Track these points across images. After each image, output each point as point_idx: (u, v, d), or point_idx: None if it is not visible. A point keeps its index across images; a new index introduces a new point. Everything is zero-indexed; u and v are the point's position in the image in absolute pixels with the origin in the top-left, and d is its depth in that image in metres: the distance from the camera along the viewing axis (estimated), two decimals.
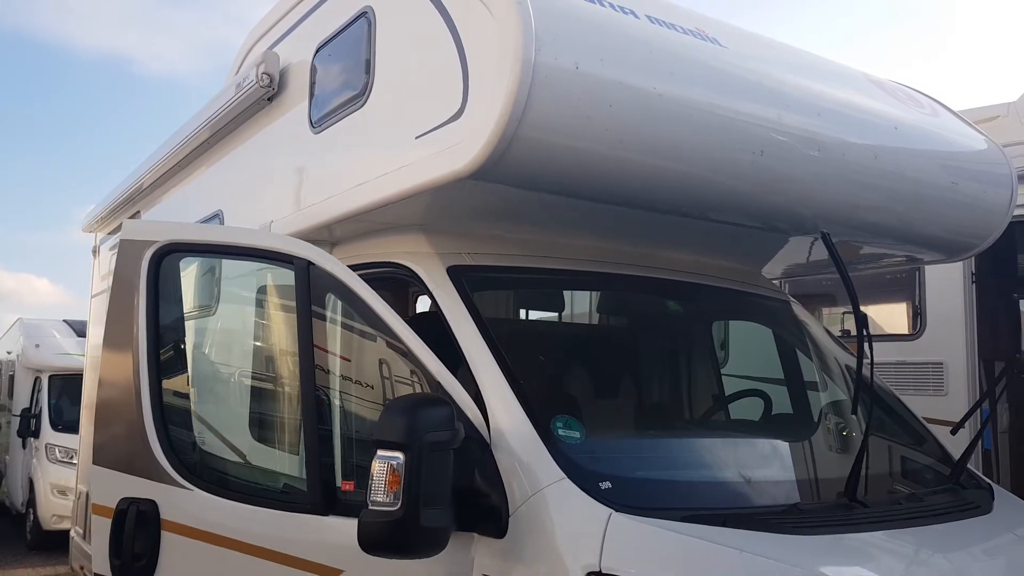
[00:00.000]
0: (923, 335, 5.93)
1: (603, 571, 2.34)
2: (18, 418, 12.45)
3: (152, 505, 2.94)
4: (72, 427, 10.88)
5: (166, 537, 2.93)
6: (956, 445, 3.65)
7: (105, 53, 73.98)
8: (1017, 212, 5.64)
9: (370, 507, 2.38)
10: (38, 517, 11.05)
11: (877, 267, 5.13)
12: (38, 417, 11.80)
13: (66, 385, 11.91)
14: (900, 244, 4.09)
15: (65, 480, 10.61)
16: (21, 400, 12.50)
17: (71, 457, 10.85)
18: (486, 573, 2.61)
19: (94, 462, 3.07)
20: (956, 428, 3.61)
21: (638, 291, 3.84)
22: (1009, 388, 6.16)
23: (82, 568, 6.90)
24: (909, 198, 3.68)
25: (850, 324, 6.92)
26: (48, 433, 11.48)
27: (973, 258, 5.74)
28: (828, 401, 4.03)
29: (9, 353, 14.25)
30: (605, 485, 2.56)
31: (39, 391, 12.18)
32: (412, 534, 2.36)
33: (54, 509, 10.79)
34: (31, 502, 11.52)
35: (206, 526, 2.93)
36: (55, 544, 10.54)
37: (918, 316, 6.03)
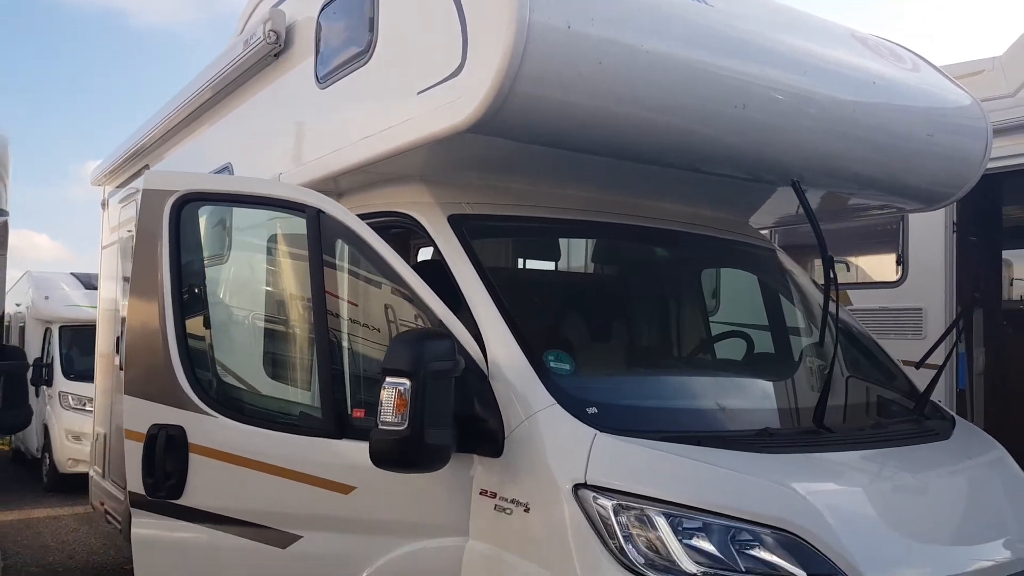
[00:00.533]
0: (905, 283, 6.16)
1: (588, 483, 2.63)
2: (30, 367, 12.76)
3: (180, 430, 3.22)
4: (83, 376, 11.19)
5: (193, 459, 3.22)
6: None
7: (99, 5, 73.10)
8: (999, 164, 5.86)
9: (380, 427, 2.66)
10: (54, 461, 11.41)
11: (859, 217, 5.36)
12: (50, 367, 12.10)
13: (76, 336, 12.20)
14: (878, 193, 4.31)
15: (79, 426, 10.96)
16: (32, 350, 12.79)
17: (84, 404, 11.18)
18: (484, 488, 2.90)
19: (126, 393, 3.33)
20: (919, 364, 3.87)
21: (628, 239, 4.07)
22: (987, 331, 6.43)
23: (102, 504, 7.25)
24: (886, 149, 3.88)
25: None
26: (61, 382, 11.79)
27: (955, 208, 5.97)
28: (807, 343, 4.28)
29: (18, 305, 14.51)
30: (591, 410, 2.83)
31: (50, 342, 12.47)
32: (418, 450, 2.64)
33: (69, 453, 11.15)
34: (46, 447, 11.88)
35: (230, 448, 3.21)
36: (71, 486, 10.92)
37: (900, 265, 6.26)
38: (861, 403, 3.72)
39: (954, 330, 3.79)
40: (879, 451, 3.12)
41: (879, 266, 6.79)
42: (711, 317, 4.76)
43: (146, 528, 3.35)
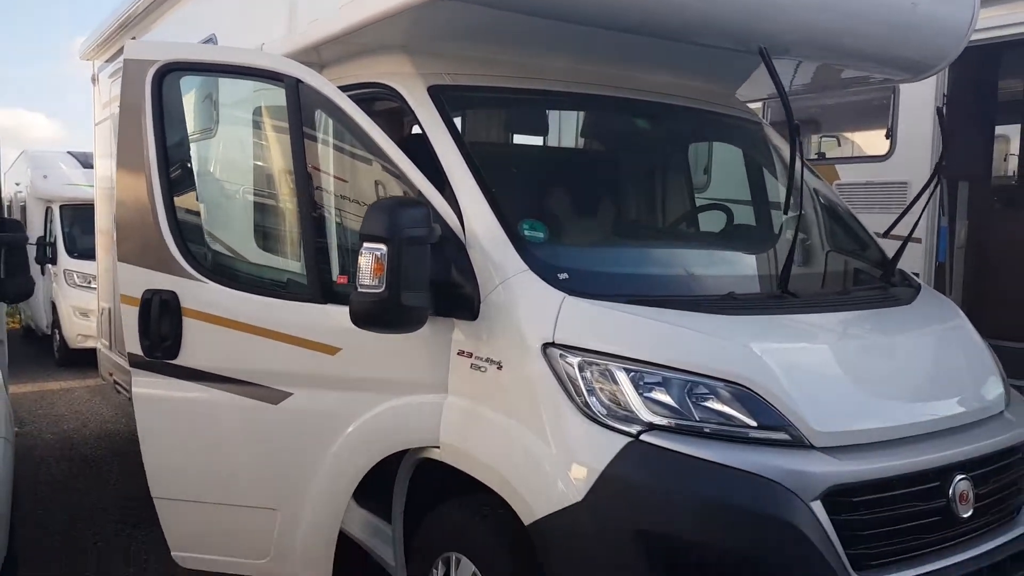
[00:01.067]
0: (892, 157, 6.19)
1: (556, 342, 2.79)
2: (34, 247, 12.93)
3: (173, 295, 3.38)
4: (86, 254, 11.36)
5: (187, 322, 3.39)
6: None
7: None
8: (995, 35, 5.78)
9: (359, 289, 2.80)
10: (64, 337, 11.74)
11: (847, 89, 5.34)
12: (53, 245, 12.26)
13: (76, 215, 12.31)
14: (861, 63, 4.28)
15: (85, 303, 11.21)
16: (35, 230, 12.93)
17: (88, 282, 11.40)
18: (462, 349, 3.07)
19: (120, 260, 3.47)
20: (885, 233, 3.97)
21: (610, 110, 4.10)
22: (972, 204, 6.51)
23: (111, 375, 7.54)
24: (869, 17, 3.85)
25: (824, 148, 7.19)
26: (65, 260, 11.97)
27: (947, 81, 5.93)
28: (788, 217, 4.37)
29: (17, 185, 14.56)
30: (562, 276, 2.96)
31: (51, 221, 12.60)
32: (395, 311, 2.80)
33: (78, 329, 11.45)
34: (55, 324, 12.21)
35: (221, 312, 3.38)
36: (82, 361, 11.28)
37: (889, 139, 6.27)
38: (829, 271, 3.84)
39: (928, 200, 3.83)
40: (839, 314, 3.26)
41: (869, 141, 6.80)
42: (701, 192, 4.83)
43: (145, 387, 3.56)
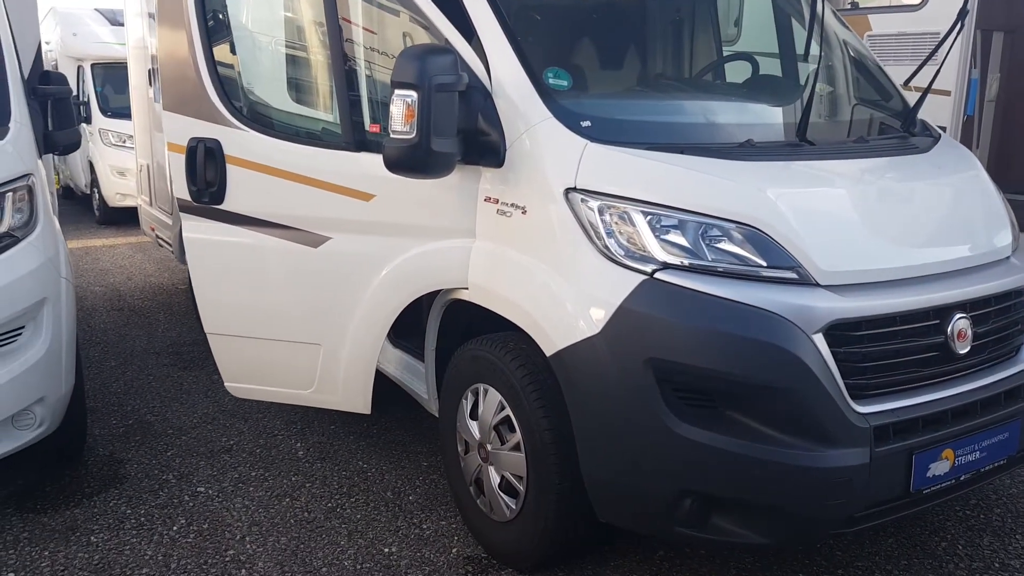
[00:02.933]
0: (926, 6, 6.05)
1: (577, 187, 2.94)
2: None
3: (216, 143, 3.56)
4: (120, 113, 11.51)
5: (230, 169, 3.58)
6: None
7: None
8: None
9: (391, 135, 2.96)
10: (103, 196, 12.05)
11: None
12: (87, 105, 12.39)
13: (107, 74, 12.37)
14: None
15: (122, 162, 11.45)
16: None
17: (124, 141, 11.60)
18: (488, 195, 3.24)
19: (165, 108, 3.64)
20: (906, 82, 3.99)
21: None
22: (1006, 56, 6.37)
23: (152, 229, 7.84)
24: None
25: None
26: (100, 119, 12.12)
27: None
28: (813, 68, 4.37)
29: (48, 43, 14.54)
30: (585, 123, 3.07)
31: (83, 80, 12.68)
32: (425, 156, 2.95)
33: (116, 188, 11.74)
34: (94, 183, 12.50)
35: (261, 159, 3.57)
36: (121, 219, 11.65)
37: None
38: (849, 120, 3.90)
39: (950, 43, 3.80)
40: (853, 161, 3.34)
41: None
42: (731, 44, 4.82)
43: (195, 232, 3.80)
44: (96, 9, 13.72)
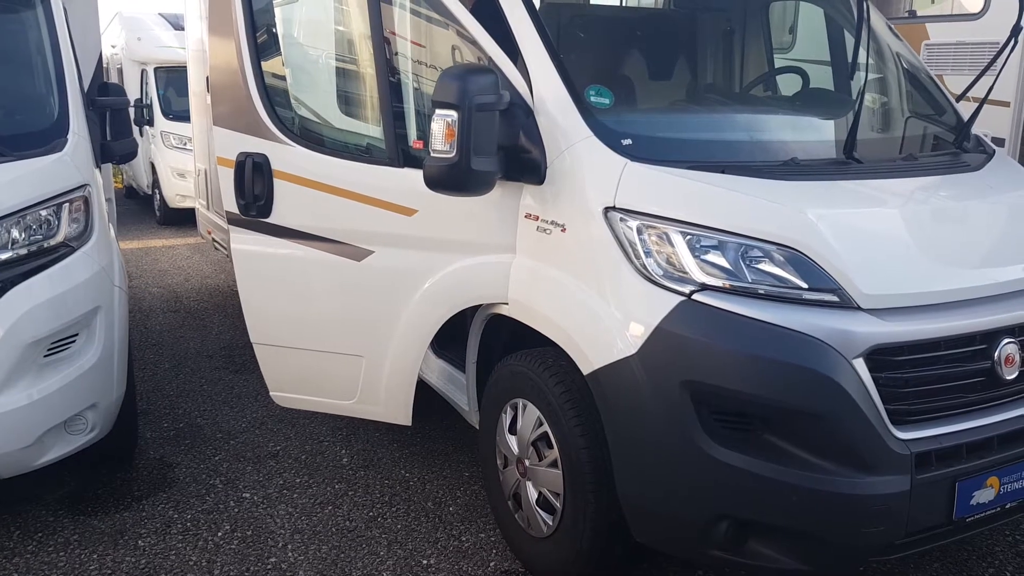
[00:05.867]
0: (986, 15, 5.89)
1: (616, 206, 2.94)
2: (133, 108, 13.42)
3: (264, 158, 3.65)
4: (181, 116, 11.79)
5: (278, 183, 3.67)
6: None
7: None
8: None
9: (432, 154, 2.99)
10: (163, 197, 12.37)
11: None
12: (150, 107, 12.73)
13: (170, 77, 12.70)
14: None
15: (182, 164, 11.73)
16: (131, 92, 13.38)
17: (184, 144, 11.88)
18: (529, 212, 3.25)
19: (215, 124, 3.74)
20: (962, 94, 3.89)
21: None
22: None
23: (209, 233, 8.02)
24: None
25: (915, 6, 6.85)
26: (161, 122, 12.44)
27: None
28: (866, 79, 4.30)
29: (113, 47, 14.97)
30: (626, 142, 3.08)
31: (146, 83, 13.03)
32: (464, 175, 2.98)
33: (176, 189, 12.04)
34: (155, 184, 12.83)
35: (308, 175, 3.64)
36: (181, 220, 11.93)
37: None
38: (900, 136, 3.83)
39: (1006, 55, 3.70)
40: (900, 180, 3.28)
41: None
42: (784, 53, 4.76)
43: (243, 244, 3.89)
44: (160, 14, 14.10)
